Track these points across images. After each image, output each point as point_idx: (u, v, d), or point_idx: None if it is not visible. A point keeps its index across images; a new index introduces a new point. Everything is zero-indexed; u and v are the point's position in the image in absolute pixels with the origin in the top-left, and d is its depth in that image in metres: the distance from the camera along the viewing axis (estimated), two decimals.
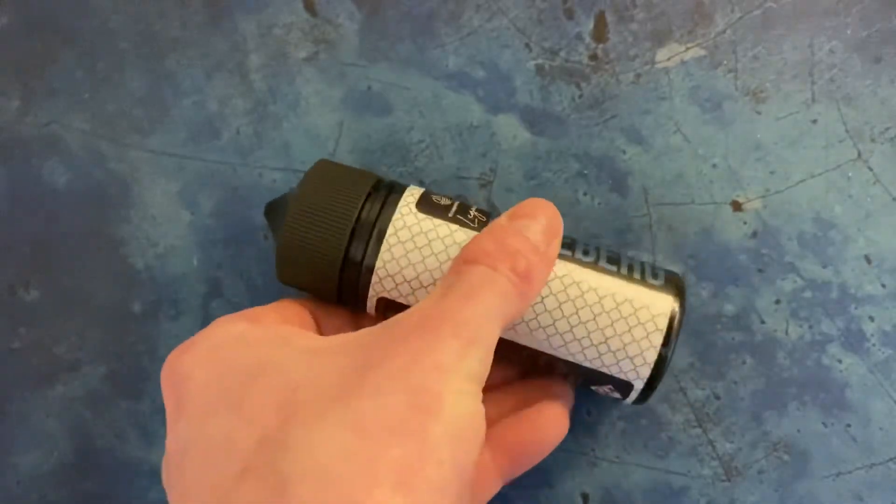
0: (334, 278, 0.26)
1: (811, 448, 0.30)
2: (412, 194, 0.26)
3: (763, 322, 0.30)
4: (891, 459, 0.29)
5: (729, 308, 0.30)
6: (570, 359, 0.25)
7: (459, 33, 0.32)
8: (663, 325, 0.25)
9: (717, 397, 0.30)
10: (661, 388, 0.30)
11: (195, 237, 0.32)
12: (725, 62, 0.31)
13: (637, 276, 0.26)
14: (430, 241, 0.25)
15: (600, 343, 0.25)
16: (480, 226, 0.26)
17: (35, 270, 0.32)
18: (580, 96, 0.31)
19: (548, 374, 0.27)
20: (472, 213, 0.26)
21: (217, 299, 0.32)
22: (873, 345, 0.30)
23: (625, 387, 0.26)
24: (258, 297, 0.31)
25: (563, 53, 0.31)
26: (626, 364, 0.25)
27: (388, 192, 0.26)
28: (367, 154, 0.32)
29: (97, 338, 0.32)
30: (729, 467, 0.30)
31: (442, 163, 0.31)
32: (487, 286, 0.21)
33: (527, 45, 0.31)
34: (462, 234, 0.25)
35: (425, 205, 0.26)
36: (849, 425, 0.30)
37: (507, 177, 0.31)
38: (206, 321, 0.31)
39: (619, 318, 0.25)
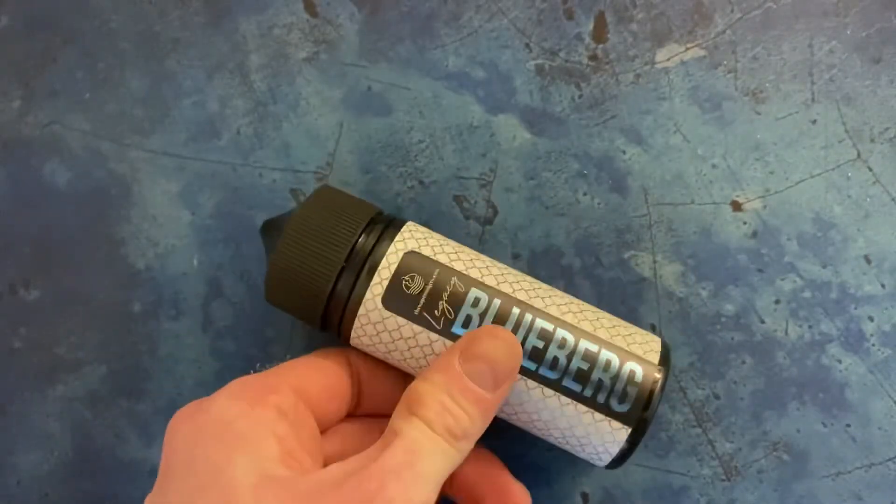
0: (319, 310, 0.26)
1: (811, 448, 0.30)
2: (395, 252, 0.26)
3: (763, 322, 0.30)
4: (890, 459, 0.29)
5: (729, 308, 0.30)
6: (545, 438, 0.27)
7: (459, 33, 0.32)
8: (615, 451, 0.25)
9: (717, 397, 0.30)
10: None
11: (195, 237, 0.32)
12: (725, 62, 0.31)
13: (602, 399, 0.25)
14: (394, 339, 0.25)
15: (564, 438, 0.26)
16: (445, 327, 0.25)
17: (36, 270, 0.32)
18: (580, 96, 0.31)
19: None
20: (441, 306, 0.25)
21: (217, 299, 0.32)
22: (873, 345, 0.30)
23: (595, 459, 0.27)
24: (258, 297, 0.31)
25: (562, 54, 0.31)
26: (587, 451, 0.26)
27: (385, 227, 0.26)
28: (367, 154, 0.32)
29: (97, 338, 0.32)
30: (728, 467, 0.30)
31: (442, 163, 0.31)
32: (427, 445, 0.22)
33: (527, 46, 0.32)
34: (425, 338, 0.25)
35: (392, 297, 0.25)
36: (848, 425, 0.30)
37: (507, 177, 0.31)
38: (206, 321, 0.31)
39: (571, 441, 0.26)
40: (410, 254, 0.25)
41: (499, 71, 0.31)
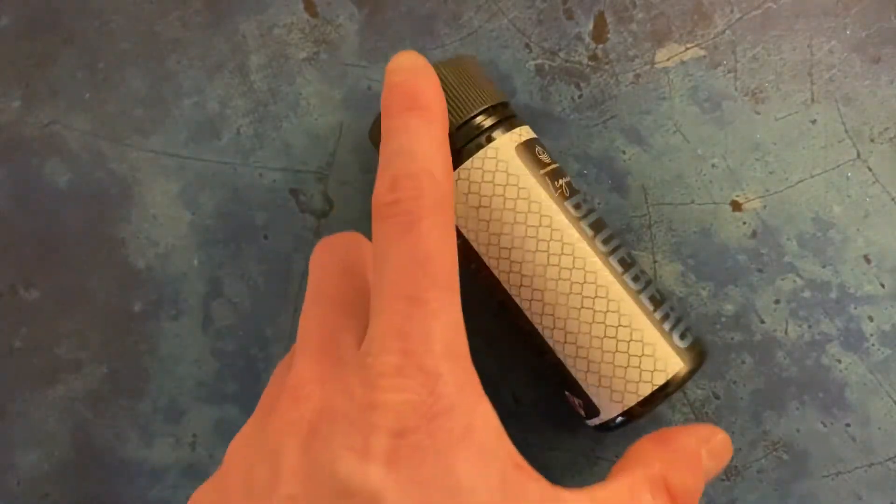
0: (452, 126, 0.26)
1: (810, 448, 0.30)
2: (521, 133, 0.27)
3: (762, 322, 0.30)
4: (890, 459, 0.29)
5: (728, 308, 0.30)
6: (561, 357, 0.26)
7: (459, 33, 0.32)
8: (659, 381, 0.25)
9: (717, 397, 0.30)
10: None
11: (196, 237, 0.32)
12: (725, 62, 0.31)
13: (667, 327, 0.26)
14: (509, 183, 0.26)
15: (595, 361, 0.25)
16: (560, 197, 0.26)
17: (36, 270, 0.32)
18: (580, 96, 0.31)
19: (536, 355, 0.27)
20: (561, 183, 0.26)
21: (217, 299, 0.32)
22: (872, 345, 0.30)
23: (593, 410, 0.26)
24: (258, 297, 0.31)
25: (562, 54, 0.31)
26: (604, 393, 0.26)
27: (515, 116, 0.27)
28: (367, 154, 0.32)
29: (98, 337, 0.32)
30: (728, 467, 0.30)
31: None
32: None
33: (527, 46, 0.32)
34: (540, 194, 0.26)
35: (525, 151, 0.26)
36: (848, 425, 0.30)
37: None
38: (206, 321, 0.31)
39: (624, 351, 0.25)
40: (537, 140, 0.27)
41: (499, 71, 0.31)
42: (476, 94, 0.26)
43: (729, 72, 0.31)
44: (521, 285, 0.26)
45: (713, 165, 0.31)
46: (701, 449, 0.24)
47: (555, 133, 0.31)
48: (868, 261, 0.30)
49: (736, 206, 0.31)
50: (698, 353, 0.26)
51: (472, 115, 0.26)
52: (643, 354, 0.25)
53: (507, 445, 0.21)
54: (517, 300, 0.26)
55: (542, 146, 0.27)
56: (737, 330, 0.30)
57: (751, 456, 0.30)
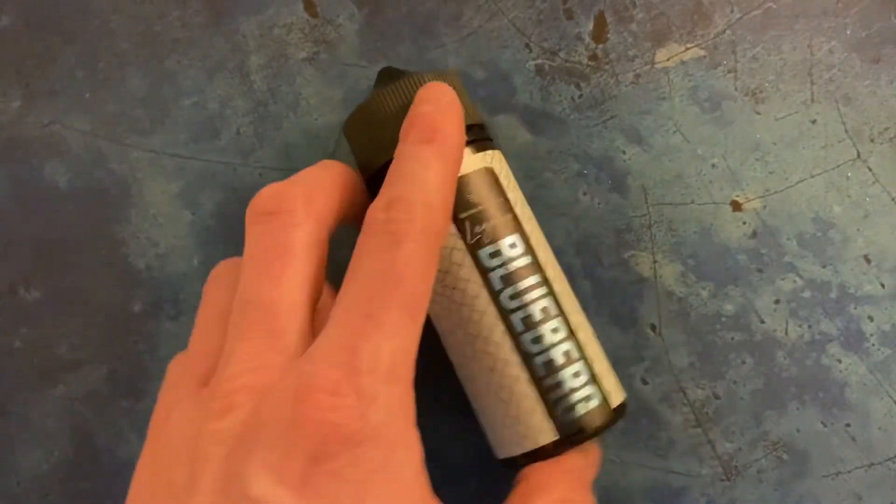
0: (379, 161, 0.26)
1: (810, 448, 0.30)
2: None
3: (762, 322, 0.30)
4: (890, 459, 0.29)
5: (728, 308, 0.30)
6: (466, 391, 0.27)
7: (459, 33, 0.32)
8: (527, 447, 0.25)
9: (717, 397, 0.30)
10: (662, 387, 0.30)
11: (196, 237, 0.32)
12: (725, 62, 0.31)
13: (553, 396, 0.25)
14: None
15: (483, 409, 0.26)
16: (474, 246, 0.25)
17: (36, 270, 0.32)
18: (580, 96, 0.31)
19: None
20: (484, 228, 0.26)
21: None
22: (872, 345, 0.30)
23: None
24: None
25: (562, 54, 0.31)
26: (490, 437, 0.26)
27: (480, 139, 0.27)
28: None
29: (98, 337, 0.32)
30: (728, 467, 0.30)
31: None
32: None
33: (527, 46, 0.32)
34: (452, 240, 0.25)
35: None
36: (848, 425, 0.30)
37: None
38: None
39: (503, 412, 0.26)
40: (487, 170, 0.26)
41: (499, 71, 0.31)
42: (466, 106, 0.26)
43: (729, 72, 0.31)
44: (436, 315, 0.26)
45: (713, 165, 0.31)
46: (587, 463, 0.25)
47: (555, 133, 0.31)
48: (868, 261, 0.30)
49: (736, 206, 0.31)
50: (582, 426, 0.25)
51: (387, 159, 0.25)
52: (517, 421, 0.25)
53: (423, 481, 0.21)
54: (436, 327, 0.27)
55: (494, 177, 0.26)
56: (737, 330, 0.30)
57: (751, 456, 0.30)
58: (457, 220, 0.25)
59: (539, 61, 0.31)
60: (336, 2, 0.32)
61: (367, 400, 0.20)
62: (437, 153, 0.23)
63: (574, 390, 0.25)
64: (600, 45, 0.31)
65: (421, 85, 0.25)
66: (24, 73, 0.33)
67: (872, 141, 0.31)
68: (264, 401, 0.20)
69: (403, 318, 0.21)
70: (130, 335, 0.32)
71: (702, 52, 0.31)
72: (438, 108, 0.24)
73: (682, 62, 0.31)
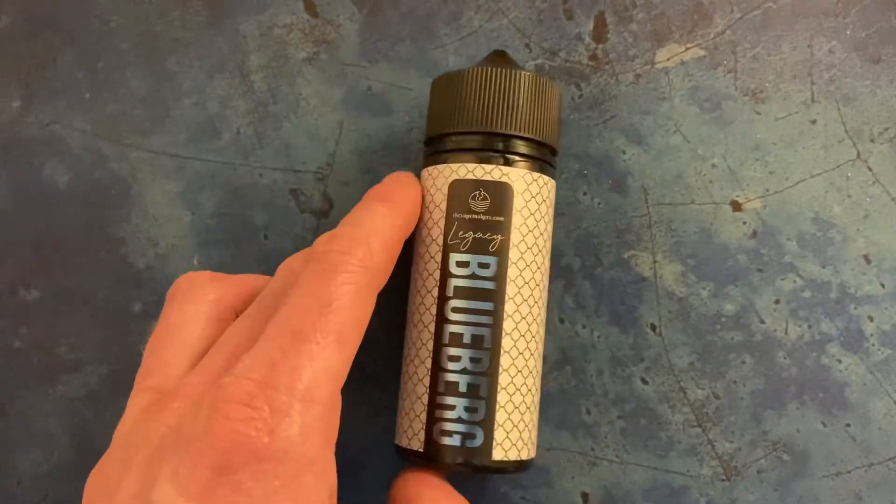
0: (444, 126, 0.27)
1: (810, 447, 0.30)
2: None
3: (762, 322, 0.30)
4: (890, 459, 0.29)
5: (728, 308, 0.30)
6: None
7: (459, 33, 0.32)
8: (402, 443, 0.26)
9: (717, 397, 0.30)
10: (662, 387, 0.30)
11: (195, 237, 0.32)
12: (725, 62, 0.31)
13: (439, 414, 0.25)
14: (425, 203, 0.27)
15: (400, 394, 0.27)
16: (450, 248, 0.26)
17: (36, 270, 0.32)
18: (580, 96, 0.31)
19: None
20: (469, 237, 0.26)
21: None
22: (872, 345, 0.30)
23: None
24: None
25: (562, 54, 0.31)
26: (398, 421, 0.27)
27: (541, 153, 0.27)
28: (367, 154, 0.32)
29: (98, 337, 0.32)
30: (728, 467, 0.30)
31: None
32: None
33: (527, 46, 0.32)
34: (436, 232, 0.26)
35: (459, 186, 0.26)
36: (848, 425, 0.30)
37: None
38: None
39: (405, 399, 0.27)
40: (505, 186, 0.26)
41: None
42: (480, 115, 0.26)
43: (729, 72, 0.31)
44: (410, 292, 0.28)
45: (713, 165, 0.31)
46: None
47: (560, 131, 0.31)
48: (868, 261, 0.30)
49: (736, 206, 0.31)
50: (447, 455, 0.25)
51: (454, 131, 0.26)
52: (406, 414, 0.26)
53: None
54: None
55: (510, 195, 0.26)
56: (737, 330, 0.30)
57: (751, 456, 0.30)
58: (448, 218, 0.26)
59: (539, 61, 0.31)
60: (336, 2, 0.32)
61: (280, 415, 0.20)
62: (388, 208, 0.25)
63: (460, 421, 0.25)
64: (600, 45, 0.31)
65: (517, 80, 0.26)
66: (24, 73, 0.33)
67: (872, 141, 0.31)
68: (187, 407, 0.21)
69: (329, 343, 0.21)
70: (130, 335, 0.32)
71: (702, 52, 0.31)
72: (398, 183, 0.27)
73: (682, 62, 0.31)
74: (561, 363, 0.30)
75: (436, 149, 0.27)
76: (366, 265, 0.23)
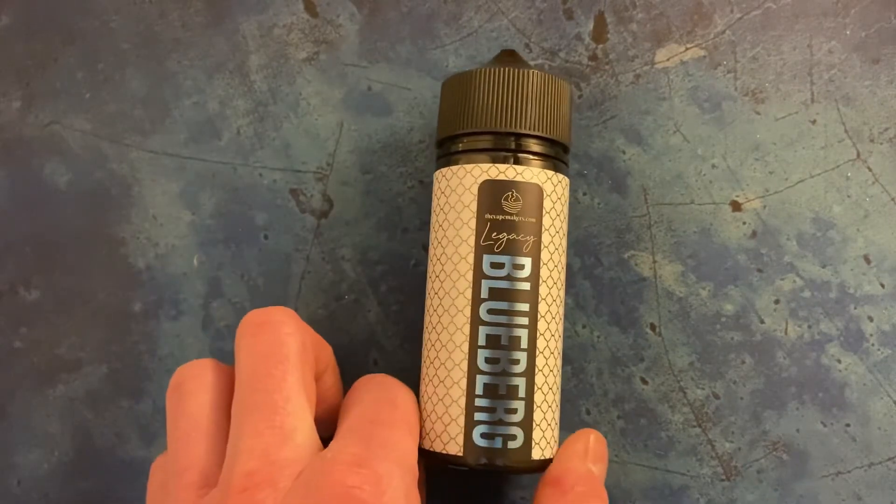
0: (453, 128, 0.27)
1: (810, 447, 0.30)
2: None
3: (762, 322, 0.30)
4: (890, 459, 0.30)
5: (728, 308, 0.30)
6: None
7: (459, 33, 0.32)
8: (437, 448, 0.26)
9: (717, 397, 0.30)
10: (662, 387, 0.30)
11: (196, 237, 0.32)
12: (725, 63, 0.31)
13: (477, 417, 0.25)
14: (450, 205, 0.27)
15: (423, 396, 0.27)
16: (482, 249, 0.26)
17: (36, 270, 0.32)
18: (580, 96, 0.31)
19: None
20: (502, 238, 0.26)
21: (217, 299, 0.32)
22: (872, 345, 0.30)
23: None
24: (258, 297, 0.31)
25: (562, 54, 0.31)
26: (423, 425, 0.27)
27: (560, 154, 0.27)
28: (367, 154, 0.32)
29: (98, 337, 0.32)
30: (728, 467, 0.30)
31: None
32: None
33: (527, 46, 0.32)
34: (466, 233, 0.26)
35: (489, 187, 0.26)
36: (848, 425, 0.30)
37: None
38: (206, 321, 0.31)
39: (435, 403, 0.26)
40: (535, 187, 0.26)
41: None
42: (506, 115, 0.26)
43: (729, 72, 0.31)
44: (427, 292, 0.27)
45: (713, 165, 0.31)
46: (592, 470, 0.26)
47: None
48: (868, 261, 0.30)
49: (736, 206, 0.31)
50: (490, 458, 0.25)
51: (469, 130, 0.26)
52: (439, 419, 0.26)
53: None
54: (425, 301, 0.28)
55: (540, 196, 0.26)
56: (737, 330, 0.30)
57: (751, 456, 0.30)
58: (480, 219, 0.26)
59: (539, 61, 0.31)
60: (336, 2, 0.32)
61: (387, 479, 0.22)
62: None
63: (501, 423, 0.25)
64: (600, 45, 0.31)
65: (528, 79, 0.26)
66: (24, 73, 0.33)
67: (872, 141, 0.31)
68: (287, 493, 0.22)
69: (402, 431, 0.24)
70: (130, 335, 0.32)
71: (702, 52, 0.31)
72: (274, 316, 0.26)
73: (682, 62, 0.31)
74: (561, 363, 0.30)
75: (452, 150, 0.27)
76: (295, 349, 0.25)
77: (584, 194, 0.31)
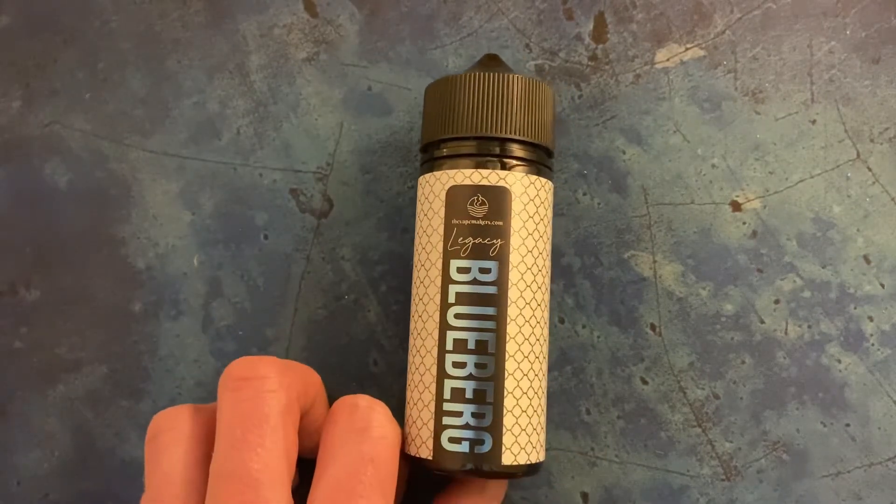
0: (432, 135, 0.27)
1: (810, 447, 0.30)
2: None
3: (762, 322, 0.30)
4: (889, 459, 0.30)
5: (728, 308, 0.30)
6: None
7: (459, 34, 0.32)
8: (411, 452, 0.26)
9: (717, 397, 0.30)
10: (662, 387, 0.30)
11: (196, 237, 0.32)
12: (725, 63, 0.31)
13: (447, 421, 0.26)
14: (424, 212, 0.27)
15: (407, 401, 0.27)
16: (450, 255, 0.26)
17: (36, 270, 0.32)
18: (580, 96, 0.31)
19: None
20: (468, 242, 0.26)
21: (217, 299, 0.32)
22: (872, 344, 0.30)
23: None
24: (258, 297, 0.31)
25: (562, 54, 0.31)
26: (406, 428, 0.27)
27: (539, 156, 0.27)
28: (367, 154, 0.32)
29: (98, 337, 0.32)
30: (728, 467, 0.30)
31: None
32: None
33: (527, 46, 0.32)
34: (436, 240, 0.26)
35: (456, 193, 0.26)
36: (848, 425, 0.30)
37: None
38: (206, 321, 0.31)
39: (411, 407, 0.27)
40: (505, 192, 0.26)
41: None
42: (475, 120, 0.26)
43: (729, 72, 0.31)
44: (412, 299, 0.27)
45: (713, 165, 0.31)
46: (483, 497, 0.27)
47: (555, 133, 0.31)
48: (868, 261, 0.30)
49: (736, 206, 0.31)
50: (457, 461, 0.25)
51: (448, 137, 0.26)
52: (414, 423, 0.26)
53: None
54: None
55: (508, 199, 0.26)
56: (737, 330, 0.30)
57: (751, 456, 0.30)
58: (447, 224, 0.26)
59: (539, 61, 0.31)
60: (336, 2, 0.32)
61: None
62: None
63: (468, 427, 0.25)
64: (600, 46, 0.31)
65: (510, 84, 0.26)
66: (24, 73, 0.33)
67: (872, 141, 0.31)
68: None
69: (377, 497, 0.23)
70: (130, 335, 0.32)
71: (702, 52, 0.31)
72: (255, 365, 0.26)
73: (682, 62, 0.31)
74: (561, 363, 0.30)
75: (431, 156, 0.27)
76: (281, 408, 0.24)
77: (584, 194, 0.31)
